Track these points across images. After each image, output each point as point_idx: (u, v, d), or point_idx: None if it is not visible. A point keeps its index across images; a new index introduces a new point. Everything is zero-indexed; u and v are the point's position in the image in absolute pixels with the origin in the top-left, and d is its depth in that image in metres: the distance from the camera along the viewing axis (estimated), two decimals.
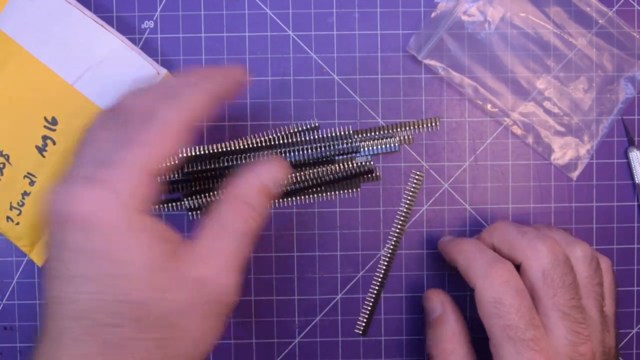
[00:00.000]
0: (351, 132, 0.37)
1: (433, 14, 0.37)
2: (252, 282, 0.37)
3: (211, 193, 0.37)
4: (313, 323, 0.38)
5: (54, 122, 0.35)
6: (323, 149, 0.37)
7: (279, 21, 0.37)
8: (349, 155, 0.37)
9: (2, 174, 0.35)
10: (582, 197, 0.38)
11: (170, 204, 0.37)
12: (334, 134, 0.37)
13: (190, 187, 0.37)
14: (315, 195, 0.37)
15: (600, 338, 0.31)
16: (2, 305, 0.37)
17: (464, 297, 0.38)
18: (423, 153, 0.38)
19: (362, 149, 0.37)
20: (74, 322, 0.24)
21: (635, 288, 0.38)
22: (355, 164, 0.37)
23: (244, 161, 0.36)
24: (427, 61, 0.37)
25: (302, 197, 0.37)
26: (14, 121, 0.35)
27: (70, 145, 0.35)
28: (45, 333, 0.25)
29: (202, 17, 0.37)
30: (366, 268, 0.38)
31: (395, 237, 0.38)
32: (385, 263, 0.37)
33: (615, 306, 0.34)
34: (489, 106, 0.37)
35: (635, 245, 0.38)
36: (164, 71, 0.36)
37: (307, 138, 0.37)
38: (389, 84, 0.37)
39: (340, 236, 0.38)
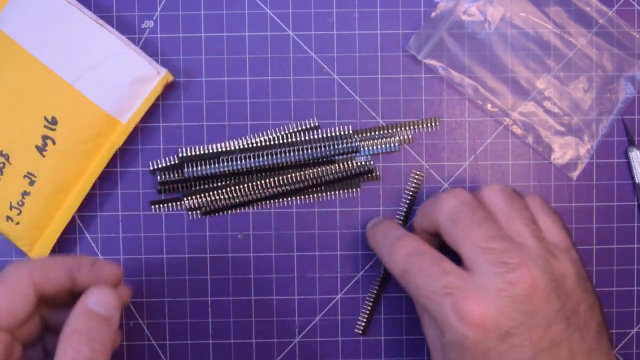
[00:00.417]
0: (351, 132, 0.37)
1: (433, 14, 0.37)
2: (252, 282, 0.37)
3: (211, 193, 0.37)
4: (313, 323, 0.38)
5: (54, 122, 0.35)
6: (323, 149, 0.37)
7: (279, 21, 0.37)
8: (349, 155, 0.37)
9: (2, 174, 0.35)
10: (582, 197, 0.38)
11: (170, 204, 0.37)
12: (334, 134, 0.37)
13: (190, 187, 0.37)
14: (315, 195, 0.37)
15: (543, 264, 0.29)
16: None
17: None
18: (423, 153, 0.38)
19: (362, 149, 0.37)
20: None
21: (635, 288, 0.38)
22: (355, 164, 0.37)
23: (244, 161, 0.36)
24: (427, 61, 0.37)
25: (302, 197, 0.37)
26: (14, 121, 0.35)
27: (70, 145, 0.35)
28: None
29: (202, 17, 0.37)
30: (366, 268, 0.38)
31: None
32: None
33: (566, 233, 0.32)
34: (489, 106, 0.37)
35: (635, 245, 0.38)
36: (164, 71, 0.36)
37: (307, 138, 0.37)
38: (389, 84, 0.37)
39: (340, 236, 0.38)
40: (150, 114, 0.37)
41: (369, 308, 0.37)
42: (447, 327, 0.29)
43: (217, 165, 0.37)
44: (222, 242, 0.37)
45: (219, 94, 0.37)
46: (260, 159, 0.37)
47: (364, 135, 0.37)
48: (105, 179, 0.37)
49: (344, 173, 0.37)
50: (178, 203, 0.37)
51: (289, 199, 0.37)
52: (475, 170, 0.38)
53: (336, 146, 0.37)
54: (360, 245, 0.37)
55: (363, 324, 0.37)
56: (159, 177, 0.37)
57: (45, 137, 0.35)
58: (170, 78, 0.36)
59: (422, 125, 0.37)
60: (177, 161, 0.37)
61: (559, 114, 0.38)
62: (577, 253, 0.31)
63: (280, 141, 0.37)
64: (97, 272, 0.28)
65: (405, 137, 0.37)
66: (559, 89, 0.38)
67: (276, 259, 0.38)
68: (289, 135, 0.37)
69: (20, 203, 0.35)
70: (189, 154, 0.37)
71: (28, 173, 0.35)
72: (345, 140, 0.37)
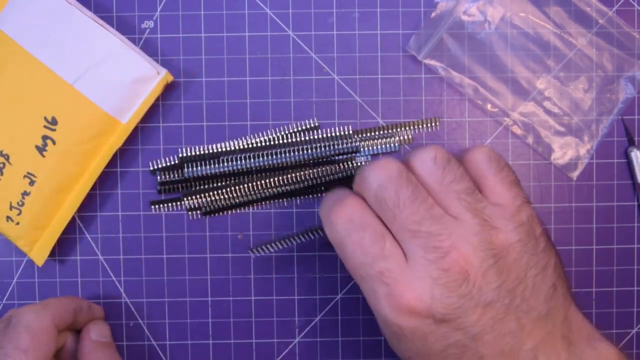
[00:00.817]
0: (351, 132, 0.37)
1: (433, 14, 0.37)
2: (252, 282, 0.37)
3: (211, 193, 0.37)
4: (313, 323, 0.38)
5: (54, 122, 0.35)
6: (323, 149, 0.37)
7: (279, 21, 0.37)
8: (349, 155, 0.37)
9: (2, 174, 0.35)
10: (582, 197, 0.38)
11: (170, 204, 0.37)
12: (334, 134, 0.37)
13: (189, 187, 0.37)
14: (316, 195, 0.37)
15: (479, 241, 0.27)
16: (2, 305, 0.37)
17: None
18: None
19: (362, 149, 0.37)
20: None
21: (635, 288, 0.38)
22: (355, 164, 0.37)
23: (244, 161, 0.36)
24: (427, 61, 0.37)
25: (302, 197, 0.37)
26: (14, 121, 0.35)
27: (70, 145, 0.35)
28: None
29: (202, 17, 0.37)
30: None
31: None
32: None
33: (516, 190, 0.29)
34: (489, 106, 0.37)
35: (635, 245, 0.38)
36: (164, 71, 0.36)
37: (307, 138, 0.37)
38: (389, 84, 0.37)
39: None
40: (150, 114, 0.37)
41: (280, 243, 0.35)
42: (380, 315, 0.28)
43: (217, 165, 0.37)
44: (222, 242, 0.37)
45: (219, 94, 0.37)
46: (260, 159, 0.37)
47: (364, 135, 0.37)
48: (105, 179, 0.37)
49: (344, 173, 0.37)
50: (178, 203, 0.37)
51: (289, 199, 0.37)
52: None
53: (336, 146, 0.37)
54: None
55: (264, 247, 0.35)
56: (159, 177, 0.37)
57: (45, 137, 0.35)
58: (170, 78, 0.36)
59: (422, 126, 0.37)
60: (177, 161, 0.37)
61: (559, 114, 0.38)
62: (529, 211, 0.29)
63: (280, 141, 0.37)
64: (91, 312, 0.35)
65: (405, 137, 0.37)
66: (559, 89, 0.38)
67: (276, 259, 0.38)
68: (289, 135, 0.37)
69: (20, 203, 0.35)
70: (189, 154, 0.37)
71: (28, 173, 0.35)
72: (345, 141, 0.37)
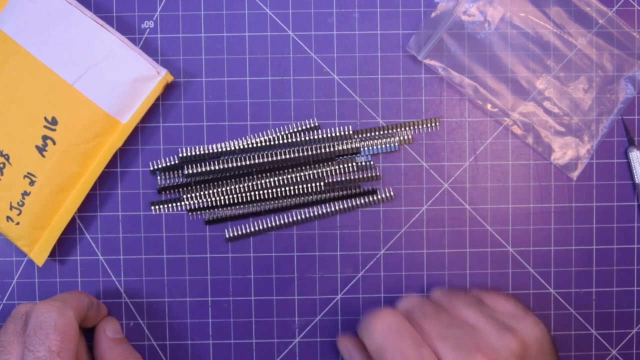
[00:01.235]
0: (351, 132, 0.37)
1: (433, 14, 0.37)
2: (252, 282, 0.37)
3: (211, 193, 0.37)
4: (313, 323, 0.38)
5: (54, 122, 0.35)
6: (323, 149, 0.37)
7: (279, 21, 0.37)
8: (349, 156, 0.37)
9: (2, 174, 0.35)
10: (582, 197, 0.38)
11: (170, 205, 0.37)
12: (334, 134, 0.37)
13: (190, 188, 0.37)
14: (315, 196, 0.37)
15: (498, 342, 0.30)
16: (2, 305, 0.37)
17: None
18: (423, 153, 0.38)
19: (362, 149, 0.37)
20: None
21: (635, 288, 0.38)
22: (355, 164, 0.37)
23: (244, 161, 0.36)
24: (427, 61, 0.37)
25: (302, 198, 0.37)
26: (14, 121, 0.35)
27: (70, 145, 0.35)
28: None
29: (202, 17, 0.37)
30: (366, 268, 0.38)
31: None
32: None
33: (515, 303, 0.33)
34: (489, 106, 0.37)
35: (635, 245, 0.38)
36: (164, 71, 0.36)
37: (307, 138, 0.37)
38: (389, 84, 0.37)
39: (340, 236, 0.38)
40: (150, 114, 0.37)
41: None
42: None
43: (217, 165, 0.37)
44: (221, 242, 0.37)
45: (219, 94, 0.37)
46: (260, 159, 0.37)
47: (364, 135, 0.37)
48: (105, 179, 0.37)
49: (344, 173, 0.37)
50: (178, 203, 0.37)
51: (289, 199, 0.37)
52: (475, 170, 0.38)
53: (336, 146, 0.37)
54: (360, 245, 0.38)
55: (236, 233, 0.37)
56: (158, 179, 0.37)
57: (45, 137, 0.35)
58: (170, 78, 0.36)
59: (422, 126, 0.37)
60: (177, 161, 0.37)
61: (559, 114, 0.38)
62: (535, 317, 0.32)
63: (280, 141, 0.37)
64: (99, 309, 0.36)
65: (405, 137, 0.37)
66: (559, 89, 0.38)
67: (276, 259, 0.38)
68: (289, 135, 0.37)
69: (20, 203, 0.35)
70: (189, 154, 0.37)
71: (28, 173, 0.35)
72: (345, 141, 0.37)
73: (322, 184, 0.37)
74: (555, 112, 0.38)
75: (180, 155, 0.37)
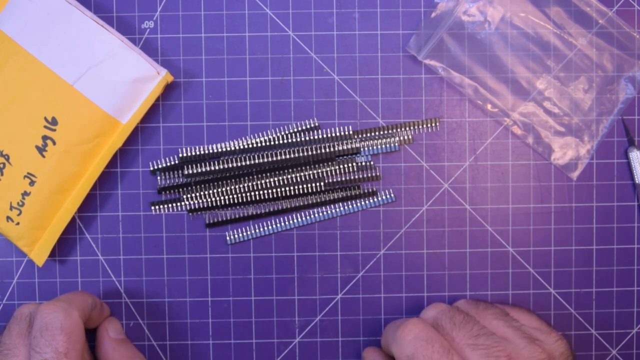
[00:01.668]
0: (351, 132, 0.37)
1: (433, 14, 0.37)
2: (252, 282, 0.37)
3: (211, 193, 0.37)
4: (313, 323, 0.38)
5: (54, 122, 0.35)
6: (323, 149, 0.37)
7: (279, 21, 0.37)
8: (349, 156, 0.37)
9: (2, 174, 0.35)
10: (582, 197, 0.38)
11: (170, 205, 0.37)
12: (334, 134, 0.37)
13: (190, 188, 0.37)
14: (315, 195, 0.37)
15: (529, 353, 0.31)
16: (2, 305, 0.37)
17: (465, 297, 0.38)
18: (423, 153, 0.38)
19: (362, 149, 0.37)
20: None
21: (635, 288, 0.38)
22: (355, 164, 0.37)
23: (244, 161, 0.36)
24: (427, 61, 0.37)
25: (303, 198, 0.37)
26: (14, 121, 0.35)
27: (70, 145, 0.35)
28: None
29: (202, 17, 0.37)
30: (366, 268, 0.38)
31: None
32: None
33: (538, 318, 0.34)
34: (489, 106, 0.37)
35: (635, 245, 0.38)
36: (164, 71, 0.36)
37: (307, 138, 0.37)
38: (389, 84, 0.37)
39: (340, 236, 0.38)
40: (150, 114, 0.37)
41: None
42: None
43: (217, 165, 0.37)
44: (222, 242, 0.37)
45: (219, 94, 0.37)
46: (261, 159, 0.37)
47: (364, 135, 0.37)
48: (105, 179, 0.37)
49: (344, 173, 0.37)
50: (178, 204, 0.37)
51: (290, 200, 0.37)
52: (475, 170, 0.38)
53: (336, 146, 0.37)
54: (360, 245, 0.38)
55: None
56: (158, 179, 0.37)
57: (45, 137, 0.35)
58: (170, 78, 0.36)
59: (422, 126, 0.37)
60: (177, 161, 0.37)
61: (559, 114, 0.38)
62: (559, 334, 0.33)
63: (280, 141, 0.37)
64: (102, 309, 0.36)
65: (405, 137, 0.37)
66: (559, 89, 0.38)
67: (276, 259, 0.38)
68: (289, 135, 0.37)
69: (20, 203, 0.35)
70: (189, 154, 0.37)
71: (28, 173, 0.35)
72: (345, 141, 0.37)
73: (322, 184, 0.37)
74: (555, 112, 0.38)
75: (180, 155, 0.37)
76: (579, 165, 0.38)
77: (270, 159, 0.37)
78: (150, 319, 0.37)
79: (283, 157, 0.37)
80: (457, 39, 0.37)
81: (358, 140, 0.37)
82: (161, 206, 0.37)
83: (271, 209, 0.37)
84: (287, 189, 0.37)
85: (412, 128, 0.37)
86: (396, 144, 0.37)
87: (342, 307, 0.38)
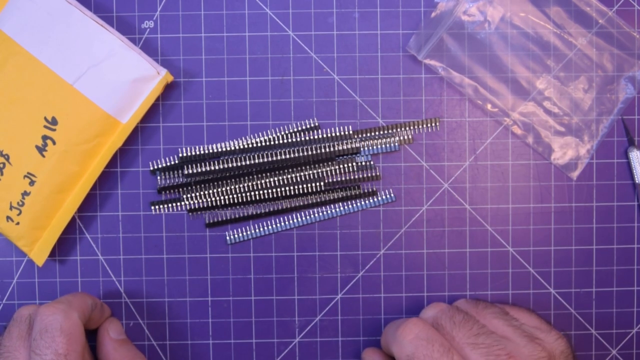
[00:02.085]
0: (351, 132, 0.37)
1: (433, 14, 0.37)
2: (252, 282, 0.37)
3: (211, 193, 0.37)
4: (313, 323, 0.38)
5: (54, 122, 0.35)
6: (323, 149, 0.37)
7: (279, 21, 0.37)
8: (349, 156, 0.37)
9: (2, 174, 0.35)
10: (582, 197, 0.38)
11: (170, 205, 0.37)
12: (334, 134, 0.37)
13: (190, 188, 0.37)
14: (316, 195, 0.37)
15: (530, 351, 0.31)
16: (2, 305, 0.37)
17: (465, 297, 0.38)
18: (423, 153, 0.38)
19: (362, 149, 0.37)
20: None
21: (635, 288, 0.38)
22: (355, 164, 0.37)
23: (244, 161, 0.36)
24: (427, 61, 0.37)
25: (303, 198, 0.37)
26: (14, 121, 0.35)
27: (70, 145, 0.35)
28: None
29: (202, 17, 0.37)
30: (366, 268, 0.38)
31: None
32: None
33: (538, 317, 0.34)
34: (489, 106, 0.37)
35: (635, 245, 0.38)
36: (164, 71, 0.36)
37: (307, 138, 0.37)
38: (389, 84, 0.38)
39: (340, 236, 0.38)
40: (150, 114, 0.37)
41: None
42: None
43: (217, 165, 0.37)
44: (222, 242, 0.37)
45: (219, 94, 0.37)
46: (261, 159, 0.37)
47: (364, 135, 0.37)
48: (105, 179, 0.37)
49: (344, 173, 0.37)
50: (178, 203, 0.37)
51: (289, 200, 0.37)
52: (475, 170, 0.38)
53: (336, 146, 0.37)
54: (360, 245, 0.38)
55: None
56: (158, 179, 0.37)
57: (45, 137, 0.35)
58: (170, 78, 0.36)
59: (422, 125, 0.37)
60: (177, 161, 0.37)
61: (559, 114, 0.38)
62: (559, 333, 0.33)
63: (280, 141, 0.37)
64: (102, 310, 0.36)
65: (405, 137, 0.37)
66: (559, 89, 0.38)
67: (276, 259, 0.38)
68: (289, 135, 0.37)
69: (20, 203, 0.35)
70: (189, 154, 0.37)
71: (28, 173, 0.35)
72: (345, 140, 0.37)
73: (322, 184, 0.37)
74: (555, 112, 0.38)
75: (180, 155, 0.37)
76: (579, 165, 0.38)
77: (270, 159, 0.37)
78: (150, 318, 0.37)
79: (283, 157, 0.37)
80: (457, 39, 0.37)
81: (358, 140, 0.37)
82: (161, 206, 0.37)
83: (271, 209, 0.37)
84: (287, 188, 0.37)
85: (412, 128, 0.37)
86: (396, 144, 0.37)
87: (342, 307, 0.38)
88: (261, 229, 0.37)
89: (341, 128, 0.37)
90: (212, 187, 0.37)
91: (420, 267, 0.38)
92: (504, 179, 0.38)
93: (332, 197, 0.37)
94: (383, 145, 0.37)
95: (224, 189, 0.37)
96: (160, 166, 0.37)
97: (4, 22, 0.35)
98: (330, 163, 0.37)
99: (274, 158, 0.37)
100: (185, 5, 0.37)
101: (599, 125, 0.38)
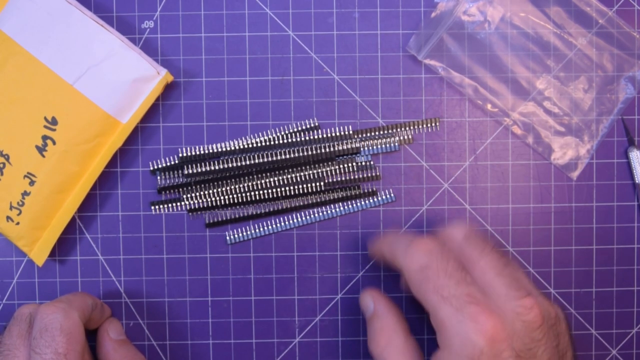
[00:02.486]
0: (351, 132, 0.37)
1: (433, 14, 0.37)
2: (252, 282, 0.37)
3: (211, 193, 0.37)
4: (313, 323, 0.38)
5: (54, 122, 0.35)
6: (323, 149, 0.37)
7: (279, 21, 0.37)
8: (349, 156, 0.37)
9: (2, 174, 0.35)
10: (582, 197, 0.38)
11: (170, 204, 0.37)
12: (334, 134, 0.37)
13: (190, 188, 0.37)
14: (316, 195, 0.37)
15: (542, 300, 0.30)
16: (2, 305, 0.37)
17: None
18: (423, 153, 0.38)
19: (362, 149, 0.37)
20: None
21: (635, 288, 0.38)
22: (355, 164, 0.37)
23: (244, 161, 0.36)
24: (427, 61, 0.37)
25: (303, 198, 0.37)
26: (14, 121, 0.35)
27: (70, 145, 0.35)
28: None
29: (202, 17, 0.37)
30: (366, 268, 0.38)
31: None
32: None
33: (526, 279, 0.32)
34: (489, 106, 0.37)
35: (635, 245, 0.38)
36: (164, 71, 0.36)
37: (307, 138, 0.37)
38: (389, 84, 0.38)
39: (340, 236, 0.38)
40: (150, 114, 0.37)
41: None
42: (459, 337, 0.28)
43: (217, 165, 0.37)
44: (222, 242, 0.37)
45: (219, 94, 0.37)
46: (261, 159, 0.37)
47: (364, 135, 0.37)
48: (105, 179, 0.37)
49: (344, 173, 0.37)
50: (178, 204, 0.37)
51: (290, 200, 0.37)
52: (475, 170, 0.38)
53: (336, 146, 0.37)
54: (360, 245, 0.38)
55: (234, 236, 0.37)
56: (158, 178, 0.37)
57: (45, 137, 0.35)
58: (170, 78, 0.36)
59: (422, 125, 0.37)
60: (177, 161, 0.37)
61: (559, 114, 0.38)
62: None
63: (281, 141, 0.37)
64: (102, 310, 0.36)
65: (405, 137, 0.37)
66: (559, 89, 0.38)
67: (276, 259, 0.38)
68: (289, 135, 0.37)
69: (20, 203, 0.35)
70: (189, 154, 0.37)
71: (28, 173, 0.35)
72: (345, 141, 0.37)
73: (322, 184, 0.37)
74: (555, 112, 0.38)
75: (180, 155, 0.37)
76: (579, 165, 0.38)
77: (270, 159, 0.37)
78: (150, 319, 0.37)
79: (283, 157, 0.37)
80: (457, 39, 0.37)
81: (358, 140, 0.37)
82: (161, 206, 0.37)
83: (271, 209, 0.37)
84: (287, 188, 0.37)
85: (412, 128, 0.37)
86: (396, 144, 0.37)
87: (342, 307, 0.38)
88: (261, 229, 0.37)
89: (341, 128, 0.37)
90: (212, 187, 0.37)
91: None
92: (504, 179, 0.38)
93: (332, 197, 0.37)
94: (383, 145, 0.37)
95: (224, 188, 0.37)
96: (160, 166, 0.37)
97: (4, 22, 0.35)
98: (330, 163, 0.37)
99: (274, 158, 0.37)
100: (185, 5, 0.37)
101: (599, 125, 0.38)
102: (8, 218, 0.35)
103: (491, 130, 0.38)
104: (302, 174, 0.37)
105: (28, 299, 0.37)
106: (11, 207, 0.35)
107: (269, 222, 0.37)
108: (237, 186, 0.37)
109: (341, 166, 0.37)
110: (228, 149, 0.37)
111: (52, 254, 0.37)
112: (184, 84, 0.37)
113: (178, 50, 0.37)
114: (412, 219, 0.38)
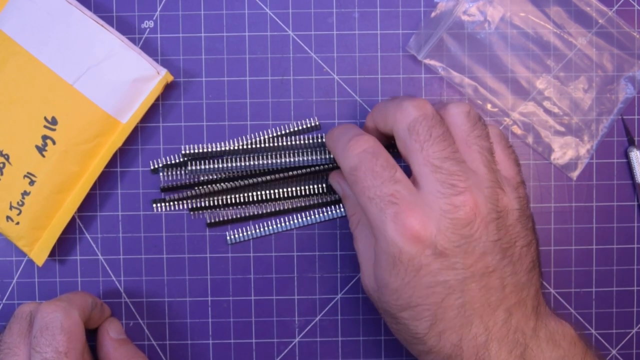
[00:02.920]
0: None
1: (433, 14, 0.37)
2: (252, 282, 0.37)
3: (213, 187, 0.37)
4: (313, 323, 0.38)
5: (54, 122, 0.35)
6: (323, 149, 0.37)
7: (279, 21, 0.37)
8: None
9: (2, 174, 0.35)
10: (582, 197, 0.38)
11: (170, 204, 0.37)
12: None
13: (192, 188, 0.37)
14: (315, 196, 0.37)
15: (489, 194, 0.29)
16: (2, 305, 0.37)
17: None
18: None
19: None
20: None
21: (635, 288, 0.38)
22: None
23: (244, 162, 0.36)
24: (427, 61, 0.37)
25: (303, 198, 0.37)
26: (14, 121, 0.35)
27: (70, 145, 0.35)
28: None
29: (202, 17, 0.37)
30: None
31: None
32: None
33: (518, 169, 0.32)
34: (489, 106, 0.37)
35: (635, 245, 0.38)
36: (164, 71, 0.36)
37: (308, 138, 0.37)
38: (389, 84, 0.38)
39: (340, 236, 0.38)
40: (150, 114, 0.37)
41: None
42: (383, 237, 0.29)
43: (222, 164, 0.37)
44: (222, 242, 0.37)
45: (219, 94, 0.37)
46: (261, 160, 0.37)
47: None
48: (105, 179, 0.37)
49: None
50: (179, 202, 0.37)
51: (290, 200, 0.37)
52: None
53: None
54: None
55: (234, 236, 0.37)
56: (161, 175, 0.37)
57: (45, 137, 0.35)
58: (170, 78, 0.36)
59: None
60: (181, 159, 0.37)
61: (559, 114, 0.38)
62: (525, 191, 0.32)
63: (281, 142, 0.37)
64: (102, 309, 0.36)
65: None
66: (559, 89, 0.38)
67: (276, 259, 0.38)
68: (289, 135, 0.37)
69: (20, 203, 0.35)
70: (193, 151, 0.37)
71: (28, 173, 0.35)
72: None
73: (323, 185, 0.37)
74: (555, 112, 0.38)
75: (183, 152, 0.37)
76: (579, 165, 0.38)
77: (272, 161, 0.37)
78: (150, 318, 0.37)
79: (285, 159, 0.37)
80: (457, 39, 0.37)
81: None
82: (163, 204, 0.37)
83: (272, 209, 0.37)
84: (288, 189, 0.37)
85: None
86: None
87: (342, 307, 0.38)
88: (261, 229, 0.37)
89: None
90: (212, 187, 0.37)
91: None
92: None
93: (332, 198, 0.37)
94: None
95: (226, 184, 0.37)
96: (162, 165, 0.37)
97: (4, 22, 0.35)
98: (331, 164, 0.37)
99: (276, 160, 0.37)
100: (185, 5, 0.37)
101: (599, 125, 0.38)
102: (8, 218, 0.35)
103: None
104: (302, 173, 0.37)
105: (28, 299, 0.37)
106: (11, 207, 0.35)
107: (269, 222, 0.37)
108: (238, 185, 0.37)
109: None
110: (228, 149, 0.37)
111: (52, 253, 0.37)
112: (184, 84, 0.37)
113: (178, 50, 0.37)
114: None
